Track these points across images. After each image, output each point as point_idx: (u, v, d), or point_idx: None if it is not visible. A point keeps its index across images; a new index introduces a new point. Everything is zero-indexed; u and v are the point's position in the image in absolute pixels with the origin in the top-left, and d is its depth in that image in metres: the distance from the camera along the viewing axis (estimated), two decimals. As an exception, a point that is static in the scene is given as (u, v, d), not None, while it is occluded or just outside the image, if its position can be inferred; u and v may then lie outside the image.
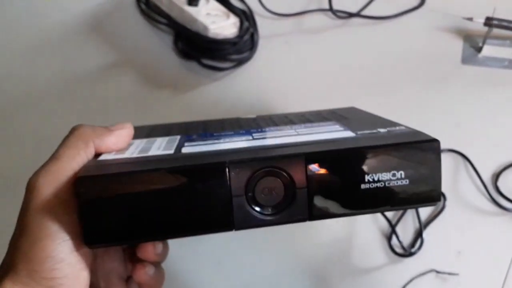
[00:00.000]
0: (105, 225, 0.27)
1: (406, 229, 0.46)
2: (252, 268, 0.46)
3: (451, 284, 0.44)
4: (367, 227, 0.46)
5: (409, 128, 0.31)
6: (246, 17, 0.56)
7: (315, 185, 0.27)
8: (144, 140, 0.34)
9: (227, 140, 0.32)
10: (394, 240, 0.46)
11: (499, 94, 0.51)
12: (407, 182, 0.28)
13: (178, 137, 0.34)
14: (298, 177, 0.27)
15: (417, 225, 0.46)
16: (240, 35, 0.53)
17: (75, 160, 0.28)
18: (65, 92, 0.55)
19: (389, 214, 0.46)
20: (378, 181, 0.27)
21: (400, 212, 0.46)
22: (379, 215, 0.46)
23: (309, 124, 0.36)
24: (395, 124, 0.33)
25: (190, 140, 0.33)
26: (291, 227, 0.46)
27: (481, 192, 0.47)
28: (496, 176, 0.47)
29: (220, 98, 0.54)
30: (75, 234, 0.27)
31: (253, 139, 0.32)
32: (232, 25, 0.53)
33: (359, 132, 0.31)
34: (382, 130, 0.31)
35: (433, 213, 0.46)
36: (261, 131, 0.34)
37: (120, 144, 0.32)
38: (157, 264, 0.35)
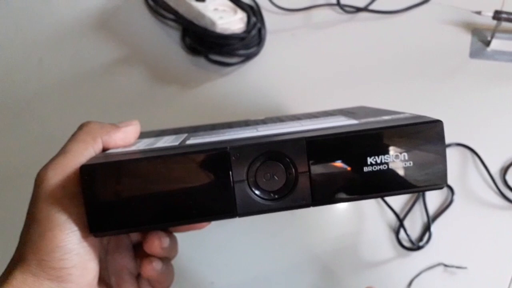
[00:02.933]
0: (109, 213, 0.27)
1: (414, 223, 0.46)
2: (261, 262, 0.47)
3: (460, 277, 0.44)
4: (375, 221, 0.46)
5: (414, 114, 0.31)
6: (253, 12, 0.56)
7: (317, 170, 0.27)
8: (153, 138, 0.35)
9: (231, 133, 0.32)
10: (402, 233, 0.46)
11: (508, 88, 0.51)
12: (411, 164, 0.27)
13: (185, 134, 0.35)
14: (299, 161, 0.27)
15: (425, 218, 0.46)
16: (247, 30, 0.53)
17: (83, 154, 0.29)
18: (73, 88, 0.55)
19: (397, 207, 0.46)
20: (381, 163, 0.27)
21: (408, 205, 0.47)
22: (387, 209, 0.46)
23: (315, 119, 0.36)
24: (400, 112, 0.33)
25: (196, 135, 0.34)
26: (299, 221, 0.47)
27: (489, 186, 0.47)
28: (505, 170, 0.47)
29: (227, 93, 0.54)
30: (83, 225, 0.28)
31: (257, 131, 0.32)
32: (240, 20, 0.53)
33: (362, 120, 0.31)
34: (386, 117, 0.31)
35: (441, 207, 0.47)
36: (267, 125, 0.35)
37: (127, 140, 0.32)
38: (165, 260, 0.35)
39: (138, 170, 0.27)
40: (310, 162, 0.27)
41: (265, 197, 0.28)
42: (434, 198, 0.47)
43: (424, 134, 0.27)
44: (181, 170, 0.27)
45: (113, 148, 0.31)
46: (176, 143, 0.31)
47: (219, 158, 0.27)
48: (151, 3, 0.59)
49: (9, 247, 0.29)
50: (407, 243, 0.45)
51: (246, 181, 0.27)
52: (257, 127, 0.34)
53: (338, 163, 0.27)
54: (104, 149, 0.31)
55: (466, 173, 0.47)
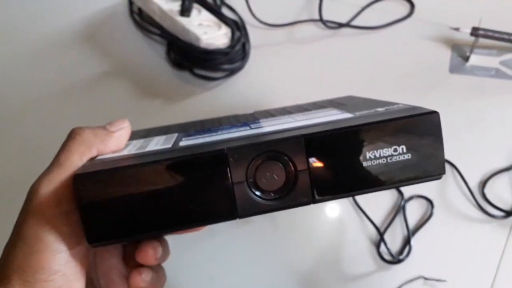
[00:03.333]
0: (107, 222, 0.26)
1: (394, 236, 0.47)
2: (243, 275, 0.47)
3: (439, 290, 0.45)
4: (356, 234, 0.47)
5: (407, 104, 0.31)
6: (237, 28, 0.57)
7: (317, 167, 0.27)
8: (142, 140, 0.34)
9: (224, 132, 0.32)
10: (382, 247, 0.46)
11: (486, 102, 0.52)
12: (410, 157, 0.27)
13: (176, 134, 0.34)
14: (298, 159, 0.27)
15: (405, 232, 0.47)
16: (231, 45, 0.54)
17: (78, 166, 0.28)
18: (58, 101, 0.55)
19: (377, 221, 0.47)
20: (380, 157, 0.27)
21: (389, 219, 0.47)
22: (367, 222, 0.47)
23: (307, 112, 0.35)
24: (393, 103, 0.33)
25: (188, 135, 0.33)
26: (280, 235, 0.47)
27: (468, 199, 0.48)
28: (483, 184, 0.48)
29: (212, 107, 0.54)
30: (73, 244, 0.27)
31: (251, 129, 0.31)
32: (224, 35, 0.54)
33: (357, 113, 0.31)
34: (380, 109, 0.31)
35: (421, 220, 0.47)
36: (258, 122, 0.34)
37: (120, 145, 0.31)
38: (156, 268, 0.33)
39: (134, 176, 0.26)
40: (309, 159, 0.27)
41: (266, 197, 0.27)
42: (414, 211, 0.47)
43: (422, 125, 0.27)
44: (179, 175, 0.26)
45: (106, 154, 0.30)
46: (169, 145, 0.30)
47: (217, 160, 0.26)
48: (137, 17, 0.59)
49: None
50: (387, 256, 0.46)
51: (245, 182, 0.27)
52: (249, 124, 0.33)
53: (338, 159, 0.27)
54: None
55: (445, 187, 0.48)
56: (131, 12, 0.60)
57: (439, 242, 0.46)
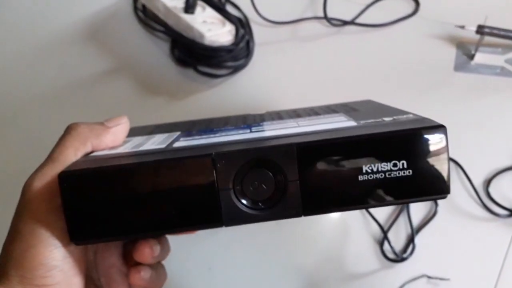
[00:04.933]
0: (90, 221, 0.26)
1: (398, 234, 0.47)
2: (245, 275, 0.47)
3: (443, 289, 0.45)
4: (359, 233, 0.47)
5: (418, 115, 0.29)
6: (241, 25, 0.56)
7: (308, 178, 0.25)
8: (144, 137, 0.33)
9: (223, 134, 0.31)
10: (386, 245, 0.46)
11: (491, 101, 0.52)
12: (411, 173, 0.25)
13: (178, 133, 0.33)
14: (289, 169, 0.25)
15: (409, 230, 0.47)
16: (235, 43, 0.54)
17: (72, 162, 0.28)
18: (62, 98, 0.55)
19: (381, 219, 0.47)
20: (378, 172, 0.25)
21: (392, 217, 0.47)
22: (371, 220, 0.47)
23: (314, 117, 0.34)
24: (404, 112, 0.31)
25: (187, 135, 0.32)
26: (284, 233, 0.47)
27: (473, 198, 0.47)
28: (488, 182, 0.48)
29: (216, 104, 0.54)
30: (68, 240, 0.27)
31: (251, 132, 0.31)
32: (228, 32, 0.54)
33: (362, 122, 0.29)
34: (387, 118, 0.29)
35: (425, 219, 0.47)
36: (261, 125, 0.33)
37: (117, 141, 0.31)
38: (155, 265, 0.33)
39: (118, 177, 0.25)
40: (301, 169, 0.25)
41: (253, 207, 0.26)
42: (418, 210, 0.47)
43: (426, 140, 0.25)
44: (164, 177, 0.25)
45: (102, 150, 0.30)
46: (163, 146, 0.29)
47: (203, 164, 0.25)
48: (141, 15, 0.59)
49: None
50: (391, 255, 0.46)
51: (232, 190, 0.25)
52: (251, 127, 0.32)
53: (331, 171, 0.25)
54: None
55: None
56: (135, 9, 0.60)
57: (443, 240, 0.46)
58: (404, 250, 0.46)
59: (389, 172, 0.25)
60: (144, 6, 0.59)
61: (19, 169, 0.49)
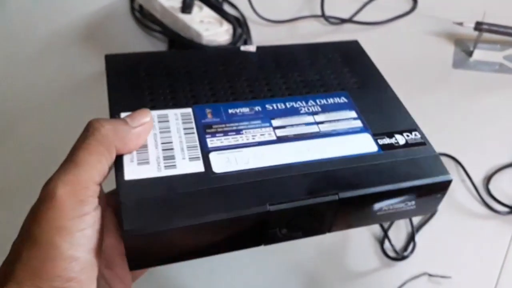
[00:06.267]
0: (150, 259, 0.29)
1: (398, 232, 0.47)
2: (245, 272, 0.47)
3: (444, 287, 0.45)
4: (360, 231, 0.47)
5: (423, 135, 0.34)
6: (239, 24, 0.56)
7: (340, 214, 0.31)
8: (158, 130, 0.32)
9: (249, 136, 0.32)
10: (386, 244, 0.46)
11: (490, 97, 0.52)
12: (414, 207, 0.32)
13: (192, 117, 0.33)
14: (329, 213, 0.30)
15: (410, 228, 0.46)
16: (233, 42, 0.54)
17: (96, 168, 0.26)
18: (59, 99, 0.55)
19: (382, 218, 0.47)
20: (391, 209, 0.31)
21: (393, 216, 0.47)
22: (371, 219, 0.47)
23: (327, 113, 0.35)
24: (410, 125, 0.35)
25: (209, 129, 0.32)
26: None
27: (473, 195, 0.47)
28: (488, 179, 0.48)
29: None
30: (87, 251, 0.26)
31: (277, 138, 0.32)
32: (225, 32, 0.54)
33: (379, 141, 0.33)
34: (399, 138, 0.33)
35: (426, 217, 0.47)
36: (280, 117, 0.34)
37: (140, 144, 0.30)
38: None
39: (180, 234, 0.28)
40: (338, 209, 0.30)
41: (290, 235, 0.31)
42: (418, 208, 0.47)
43: (435, 189, 0.31)
44: (222, 229, 0.29)
45: (126, 153, 0.29)
46: (200, 165, 0.30)
47: (259, 216, 0.29)
48: (138, 15, 0.59)
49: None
50: (391, 253, 0.46)
51: (277, 229, 0.30)
52: (270, 119, 0.33)
53: (358, 209, 0.31)
54: (117, 155, 0.29)
55: (449, 183, 0.48)
56: (132, 9, 0.59)
57: (443, 238, 0.46)
58: (405, 248, 0.46)
59: (400, 208, 0.32)
60: (141, 6, 0.59)
61: (19, 169, 0.48)
